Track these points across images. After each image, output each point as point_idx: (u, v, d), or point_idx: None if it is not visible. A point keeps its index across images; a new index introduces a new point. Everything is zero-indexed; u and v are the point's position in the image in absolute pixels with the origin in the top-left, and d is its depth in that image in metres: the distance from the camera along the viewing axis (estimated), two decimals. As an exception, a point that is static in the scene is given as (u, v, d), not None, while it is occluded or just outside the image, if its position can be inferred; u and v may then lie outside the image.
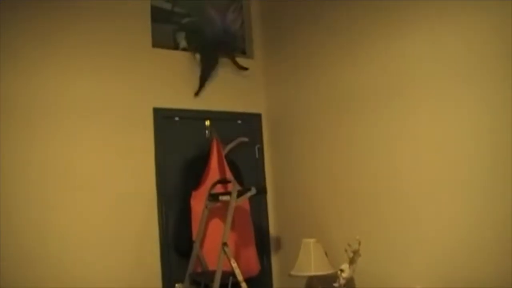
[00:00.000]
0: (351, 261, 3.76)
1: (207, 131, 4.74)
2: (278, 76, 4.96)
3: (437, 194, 3.43)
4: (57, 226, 3.89)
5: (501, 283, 3.03)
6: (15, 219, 3.74)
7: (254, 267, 4.33)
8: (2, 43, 3.85)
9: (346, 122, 4.16)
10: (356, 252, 3.76)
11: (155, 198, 4.37)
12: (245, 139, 4.80)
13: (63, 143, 4.01)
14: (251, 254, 4.32)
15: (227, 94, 4.89)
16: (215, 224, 4.23)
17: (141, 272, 4.21)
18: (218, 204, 4.20)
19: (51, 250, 3.85)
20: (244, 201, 4.25)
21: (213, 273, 3.74)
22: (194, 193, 4.36)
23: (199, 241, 4.12)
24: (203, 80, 4.71)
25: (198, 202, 4.27)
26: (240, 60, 4.95)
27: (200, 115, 4.72)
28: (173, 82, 4.61)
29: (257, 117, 5.07)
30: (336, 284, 3.75)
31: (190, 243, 4.21)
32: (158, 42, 4.60)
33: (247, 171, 4.83)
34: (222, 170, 4.44)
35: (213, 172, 4.40)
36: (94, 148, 4.14)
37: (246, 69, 4.95)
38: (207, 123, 4.76)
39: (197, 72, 4.72)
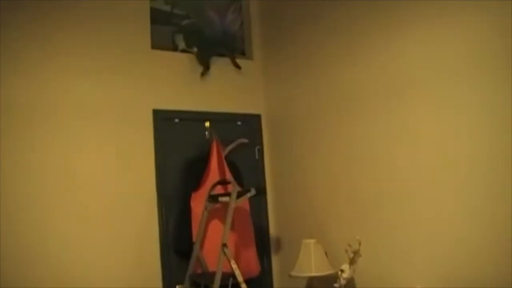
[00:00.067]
0: (352, 262, 3.75)
1: (207, 132, 4.74)
2: (278, 77, 4.96)
3: (437, 194, 3.43)
4: (57, 226, 3.90)
5: (501, 283, 3.02)
6: (15, 219, 3.74)
7: (254, 268, 4.33)
8: (2, 46, 3.85)
9: (346, 122, 4.16)
10: (356, 253, 3.76)
11: (155, 200, 4.37)
12: (245, 141, 4.79)
13: (63, 144, 4.01)
14: (251, 255, 4.32)
15: (226, 95, 4.89)
16: (215, 225, 4.22)
17: (141, 273, 4.20)
18: (218, 205, 4.20)
19: (51, 250, 3.85)
20: (244, 201, 4.25)
21: (213, 274, 3.74)
22: (194, 194, 4.36)
23: (199, 242, 4.12)
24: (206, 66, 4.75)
25: (198, 203, 4.27)
26: (240, 62, 4.95)
27: (199, 117, 4.71)
28: (172, 83, 4.61)
29: (256, 118, 5.07)
30: (336, 285, 3.75)
31: (190, 244, 4.20)
32: (157, 44, 4.61)
33: (247, 172, 4.83)
34: (222, 171, 4.43)
35: (213, 173, 4.40)
36: (94, 149, 4.14)
37: (239, 67, 4.93)
38: (207, 124, 4.75)
39: (196, 73, 4.72)
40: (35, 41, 3.99)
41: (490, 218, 3.11)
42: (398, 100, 3.71)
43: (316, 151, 4.46)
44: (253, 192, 3.96)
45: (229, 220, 3.82)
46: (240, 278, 3.69)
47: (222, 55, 4.90)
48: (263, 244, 4.87)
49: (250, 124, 5.02)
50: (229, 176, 4.42)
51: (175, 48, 4.74)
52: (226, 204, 4.00)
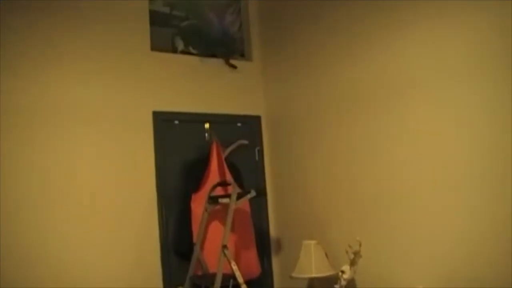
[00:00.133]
0: (352, 262, 3.75)
1: (206, 134, 4.74)
2: (278, 78, 4.95)
3: (437, 194, 3.43)
4: (57, 226, 3.89)
5: (501, 283, 3.02)
6: (15, 219, 3.74)
7: (255, 269, 4.32)
8: (2, 48, 3.85)
9: (346, 122, 4.16)
10: (357, 253, 3.75)
11: (155, 201, 4.37)
12: (245, 142, 4.79)
13: (63, 146, 4.00)
14: (251, 256, 4.31)
15: (226, 96, 4.89)
16: (215, 227, 4.21)
17: (141, 275, 4.19)
18: (218, 207, 4.20)
19: (51, 250, 3.84)
20: (244, 203, 4.24)
21: (213, 275, 3.73)
22: (194, 196, 4.35)
23: (200, 243, 4.11)
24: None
25: (198, 205, 4.26)
26: (239, 63, 4.95)
27: (199, 118, 4.71)
28: (172, 85, 4.61)
29: (256, 119, 5.06)
30: (337, 286, 3.74)
31: (190, 245, 4.19)
32: (156, 46, 4.61)
33: (247, 173, 4.82)
34: (222, 173, 4.43)
35: (213, 175, 4.39)
36: (94, 151, 4.13)
37: (234, 67, 4.92)
38: (207, 126, 4.75)
39: (196, 74, 4.72)
40: (35, 44, 3.99)
41: (490, 218, 3.11)
42: (398, 100, 3.71)
43: (316, 151, 4.46)
44: (253, 193, 3.96)
45: (229, 221, 3.82)
46: (240, 280, 3.68)
47: (214, 56, 4.89)
48: (264, 245, 4.86)
49: (250, 126, 5.02)
50: (229, 177, 4.41)
51: (174, 50, 4.74)
52: (226, 206, 3.99)
